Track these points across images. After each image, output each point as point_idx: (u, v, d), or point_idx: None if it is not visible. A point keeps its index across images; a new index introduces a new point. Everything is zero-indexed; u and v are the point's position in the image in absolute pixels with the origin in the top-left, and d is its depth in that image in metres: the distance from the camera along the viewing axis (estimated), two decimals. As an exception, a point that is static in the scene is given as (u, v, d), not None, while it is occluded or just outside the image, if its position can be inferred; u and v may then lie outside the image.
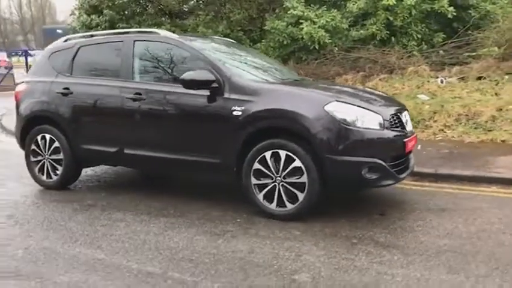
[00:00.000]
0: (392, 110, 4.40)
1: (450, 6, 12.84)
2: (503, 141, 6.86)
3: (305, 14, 13.57)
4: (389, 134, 4.19)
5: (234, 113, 4.29)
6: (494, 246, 3.64)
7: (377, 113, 4.17)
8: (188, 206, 4.69)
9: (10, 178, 6.11)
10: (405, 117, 4.56)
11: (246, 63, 5.16)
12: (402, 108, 4.72)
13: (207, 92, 4.44)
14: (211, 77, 4.37)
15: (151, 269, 3.33)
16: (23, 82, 5.74)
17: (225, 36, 13.94)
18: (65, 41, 5.66)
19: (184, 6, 15.67)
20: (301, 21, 13.41)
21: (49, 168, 5.38)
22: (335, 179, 4.07)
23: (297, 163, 4.09)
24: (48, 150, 5.36)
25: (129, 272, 3.29)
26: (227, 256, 3.53)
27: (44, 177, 5.44)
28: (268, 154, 4.20)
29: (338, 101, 4.13)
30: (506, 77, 10.46)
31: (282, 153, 4.14)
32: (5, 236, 4.03)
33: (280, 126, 4.20)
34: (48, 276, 3.27)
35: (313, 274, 3.20)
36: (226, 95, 4.37)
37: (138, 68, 4.94)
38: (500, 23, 12.60)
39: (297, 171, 4.11)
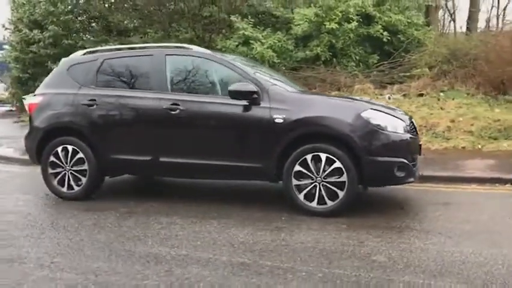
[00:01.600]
0: (407, 118, 5.08)
1: (384, 31, 14.23)
2: (463, 147, 7.91)
3: (254, 35, 14.31)
4: (410, 137, 4.84)
5: (276, 120, 4.73)
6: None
7: (401, 120, 4.83)
8: (227, 210, 5.00)
9: (16, 191, 6.01)
10: (414, 123, 5.26)
11: (268, 74, 5.61)
12: (410, 116, 5.43)
13: (245, 102, 4.84)
14: (253, 88, 4.79)
15: (240, 259, 3.65)
16: (37, 94, 5.72)
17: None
18: (84, 54, 5.77)
19: (130, 23, 15.71)
20: (251, 41, 14.09)
21: (71, 179, 5.41)
22: (372, 177, 4.64)
23: (337, 164, 4.60)
24: (71, 161, 5.40)
25: (222, 263, 3.58)
26: (299, 246, 3.93)
27: (64, 189, 5.46)
28: (309, 157, 4.68)
29: (372, 108, 4.73)
30: (442, 93, 11.83)
31: (323, 156, 4.64)
32: (68, 243, 4.09)
33: (322, 132, 4.69)
34: (147, 272, 3.46)
35: (386, 255, 3.70)
36: (266, 105, 4.80)
37: (171, 80, 5.21)
38: (428, 47, 14.17)
39: (336, 171, 4.62)
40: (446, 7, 22.47)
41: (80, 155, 5.37)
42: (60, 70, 5.74)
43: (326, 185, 4.66)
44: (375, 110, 4.75)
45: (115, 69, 5.50)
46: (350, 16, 14.10)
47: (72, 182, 5.43)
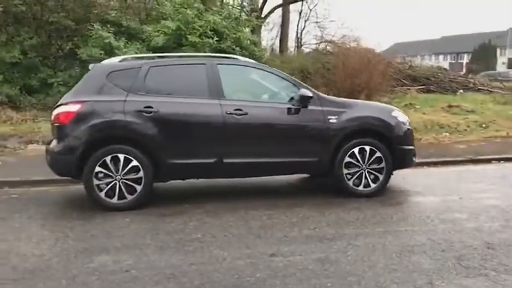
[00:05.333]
0: (403, 115, 6.56)
1: (236, 46, 15.79)
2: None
3: (117, 44, 14.22)
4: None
5: (331, 120, 5.68)
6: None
7: (406, 116, 6.30)
8: (283, 204, 5.51)
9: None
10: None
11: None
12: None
13: (300, 105, 5.64)
14: (310, 93, 5.64)
15: (365, 230, 4.58)
16: (71, 102, 5.31)
17: (19, 61, 13.36)
18: (121, 61, 5.62)
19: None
20: (116, 51, 13.92)
21: (123, 188, 5.28)
22: (400, 162, 5.96)
23: (378, 154, 5.80)
24: (122, 170, 5.27)
25: (356, 234, 4.46)
26: (390, 216, 5.04)
27: (114, 200, 5.26)
28: (356, 150, 5.75)
29: (396, 109, 6.08)
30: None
31: (367, 148, 5.77)
32: (210, 241, 4.32)
33: (368, 129, 5.81)
34: (322, 248, 4.10)
35: (465, 211, 5.10)
36: (319, 108, 5.69)
37: (227, 87, 5.58)
38: (275, 62, 16.35)
39: (377, 160, 5.81)
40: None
41: (134, 163, 5.26)
42: (97, 76, 5.44)
43: (370, 172, 5.79)
44: (397, 110, 6.12)
45: (164, 77, 5.54)
46: (207, 31, 15.17)
47: (124, 192, 5.28)
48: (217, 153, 5.47)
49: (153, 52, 15.18)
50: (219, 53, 15.54)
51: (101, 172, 5.23)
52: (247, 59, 6.03)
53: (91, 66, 5.67)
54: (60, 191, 6.39)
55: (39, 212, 5.35)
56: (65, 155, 5.26)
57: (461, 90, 16.42)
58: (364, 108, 6.06)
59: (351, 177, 5.77)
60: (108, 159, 5.23)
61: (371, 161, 5.78)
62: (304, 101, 5.58)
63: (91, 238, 4.41)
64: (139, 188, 5.31)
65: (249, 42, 16.82)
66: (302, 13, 25.59)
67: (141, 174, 5.30)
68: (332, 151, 5.70)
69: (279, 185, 6.61)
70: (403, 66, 17.60)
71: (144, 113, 5.31)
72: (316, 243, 4.20)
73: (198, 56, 6.23)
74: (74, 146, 5.23)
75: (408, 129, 6.08)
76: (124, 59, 5.79)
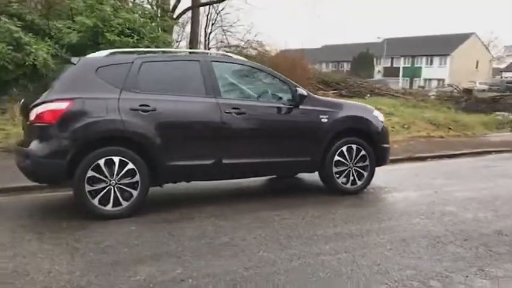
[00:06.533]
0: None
1: (154, 46, 15.28)
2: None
3: (26, 39, 13.07)
4: (385, 128, 6.64)
5: (322, 120, 5.76)
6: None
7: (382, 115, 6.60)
8: (284, 204, 5.44)
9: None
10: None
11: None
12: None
13: (293, 105, 5.65)
14: (305, 92, 5.67)
15: (382, 225, 4.75)
16: (57, 100, 4.72)
17: None
18: (108, 55, 5.14)
19: None
20: (26, 46, 12.79)
21: (118, 194, 4.85)
22: (380, 160, 6.21)
23: (363, 152, 6.00)
24: (117, 174, 4.84)
25: (380, 229, 4.62)
26: (391, 210, 5.26)
27: (108, 207, 4.80)
28: (344, 148, 5.90)
29: (376, 109, 6.33)
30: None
31: (354, 147, 5.95)
32: (255, 241, 4.18)
33: (355, 128, 5.97)
34: (364, 243, 4.18)
35: (454, 205, 5.48)
36: (311, 107, 5.74)
37: (222, 86, 5.38)
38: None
39: (362, 158, 6.01)
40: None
41: (130, 165, 4.85)
42: (86, 72, 4.89)
43: (356, 169, 5.97)
44: (377, 110, 6.38)
45: (157, 73, 5.16)
46: (125, 30, 14.50)
47: (120, 197, 4.85)
48: (216, 154, 5.25)
49: (68, 50, 14.14)
50: (138, 50, 15.04)
51: (94, 177, 4.74)
52: (239, 57, 5.88)
53: (75, 60, 5.11)
54: (19, 200, 5.66)
55: (19, 224, 4.68)
56: (54, 158, 4.68)
57: (369, 95, 17.60)
58: (351, 108, 6.21)
59: (339, 176, 5.89)
60: (102, 162, 4.76)
61: (357, 159, 5.95)
62: (300, 100, 5.58)
63: (110, 249, 3.97)
64: (135, 193, 4.91)
65: (164, 42, 16.34)
66: (210, 17, 25.65)
67: (137, 178, 4.90)
68: (323, 150, 5.77)
69: (256, 186, 6.55)
70: (313, 71, 18.41)
71: (140, 112, 4.92)
72: (349, 240, 4.23)
73: (190, 52, 5.92)
74: (63, 148, 4.69)
75: (384, 127, 6.36)
76: (112, 54, 5.30)
